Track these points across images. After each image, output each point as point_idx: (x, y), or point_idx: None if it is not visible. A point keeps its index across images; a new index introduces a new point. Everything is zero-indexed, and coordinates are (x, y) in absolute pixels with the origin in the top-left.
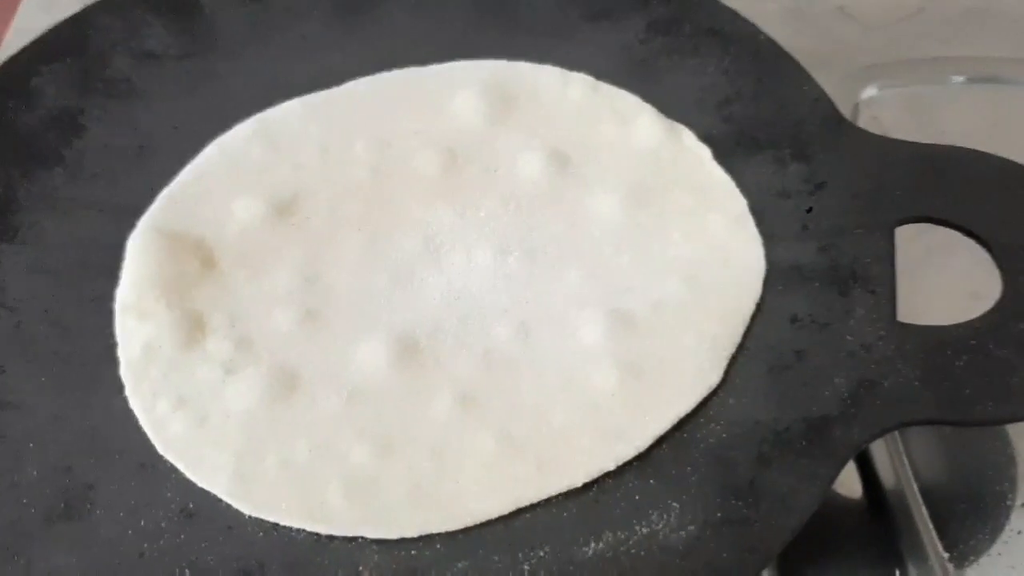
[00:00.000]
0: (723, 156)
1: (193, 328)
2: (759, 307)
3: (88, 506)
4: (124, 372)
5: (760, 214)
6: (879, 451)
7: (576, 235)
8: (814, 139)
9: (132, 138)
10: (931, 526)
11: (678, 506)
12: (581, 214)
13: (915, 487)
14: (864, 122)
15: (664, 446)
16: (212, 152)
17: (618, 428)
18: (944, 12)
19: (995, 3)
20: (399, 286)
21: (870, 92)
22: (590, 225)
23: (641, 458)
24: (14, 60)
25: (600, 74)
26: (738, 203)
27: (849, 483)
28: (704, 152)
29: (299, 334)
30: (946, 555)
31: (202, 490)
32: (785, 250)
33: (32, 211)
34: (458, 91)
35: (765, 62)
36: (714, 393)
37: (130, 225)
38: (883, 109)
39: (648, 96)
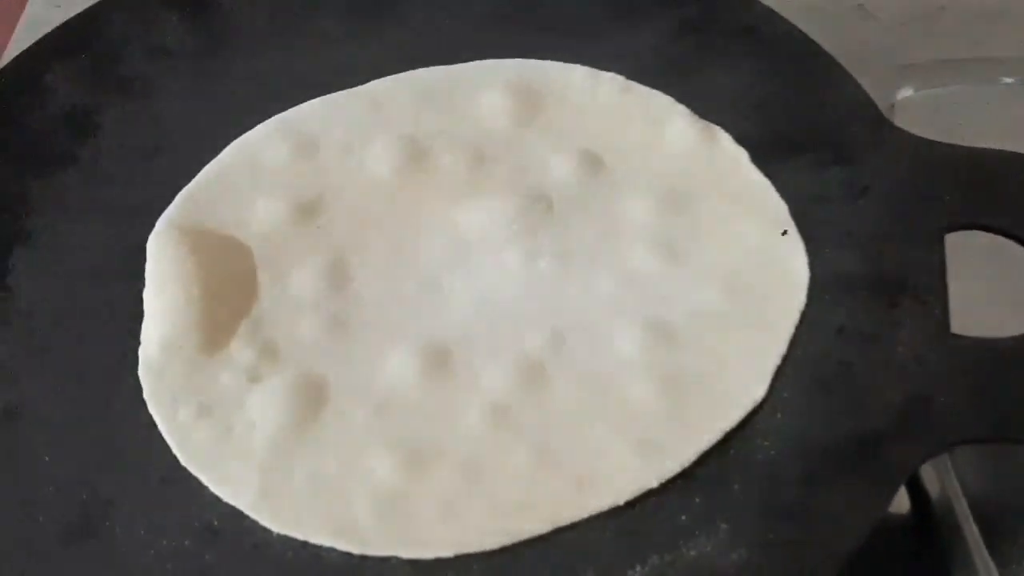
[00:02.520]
0: (759, 159)
1: (216, 330)
2: (803, 317)
3: (107, 523)
4: (142, 372)
5: (800, 220)
6: (925, 464)
7: (609, 240)
8: (856, 142)
9: (148, 137)
10: (981, 543)
11: (726, 527)
12: (613, 218)
13: (964, 502)
14: (901, 124)
15: (709, 463)
16: (232, 152)
17: (660, 443)
18: (967, 11)
19: (1018, 2)
20: (427, 292)
21: (906, 93)
22: (623, 230)
23: (685, 475)
24: (25, 56)
25: (629, 74)
26: (779, 208)
27: (895, 497)
28: (741, 155)
29: (326, 342)
30: (997, 573)
31: (227, 506)
32: (828, 258)
33: (45, 213)
34: (484, 90)
35: (803, 61)
36: (759, 407)
37: (146, 227)
38: (920, 111)
39: (680, 97)
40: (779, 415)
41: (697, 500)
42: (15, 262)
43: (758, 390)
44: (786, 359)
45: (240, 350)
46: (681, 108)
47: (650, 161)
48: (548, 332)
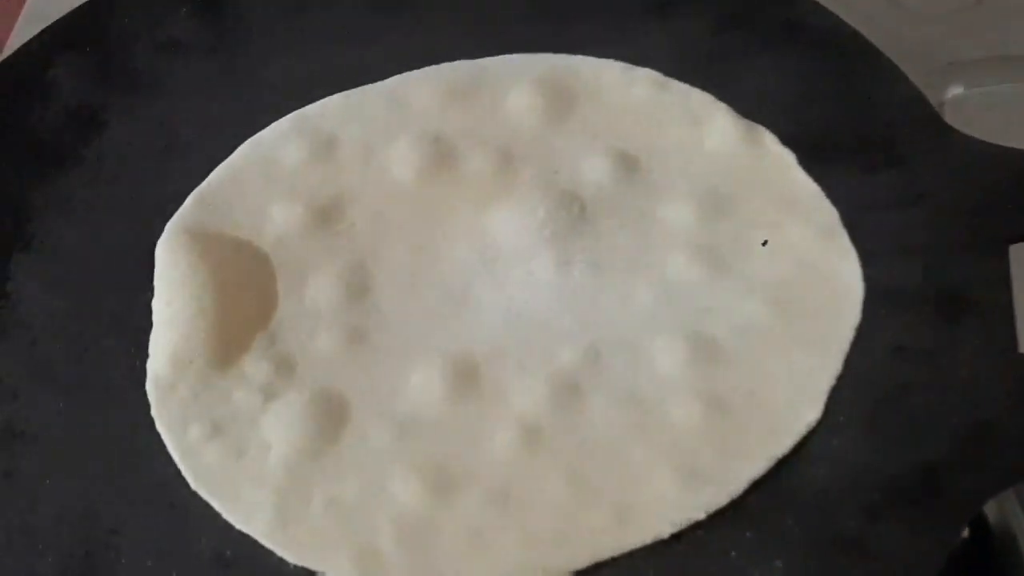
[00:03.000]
0: (805, 163)
1: (229, 344)
2: (856, 334)
3: (112, 554)
4: (150, 388)
5: (850, 228)
6: None
7: (646, 247)
8: (909, 144)
9: (157, 136)
10: None
11: (781, 564)
12: (651, 224)
13: None
14: (952, 125)
15: (760, 493)
16: (246, 151)
17: (706, 471)
18: (1005, 5)
19: None
20: (453, 303)
21: (955, 91)
22: (662, 236)
23: (734, 507)
24: (27, 49)
25: (665, 70)
26: (828, 214)
27: None
28: (788, 156)
29: (345, 357)
30: None
31: (240, 534)
32: (881, 270)
33: (48, 217)
34: (512, 86)
35: (850, 57)
36: (814, 431)
37: (155, 232)
38: (972, 110)
39: (720, 95)
40: (834, 441)
41: (748, 534)
42: (15, 268)
43: (811, 413)
44: (840, 379)
45: (255, 365)
46: (722, 106)
47: (690, 162)
48: (583, 347)
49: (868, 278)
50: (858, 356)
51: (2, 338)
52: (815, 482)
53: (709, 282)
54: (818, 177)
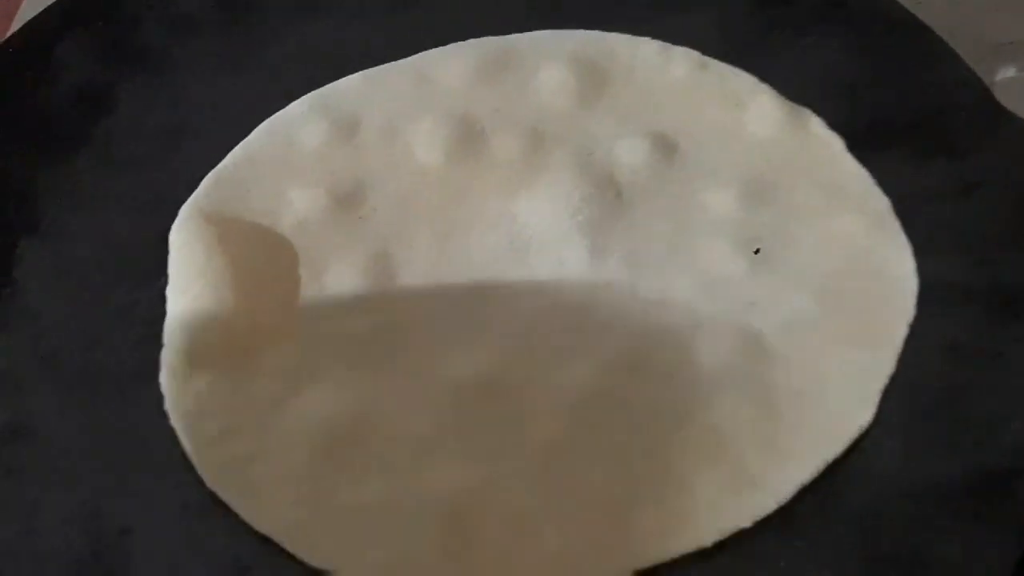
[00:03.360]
0: (852, 149)
1: (248, 334)
2: (910, 331)
3: (122, 556)
4: (164, 381)
5: (901, 219)
6: None
7: (686, 236)
8: (963, 130)
9: (169, 117)
10: None
11: None
12: (690, 211)
13: None
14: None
15: (809, 500)
16: (264, 132)
17: (751, 475)
18: None
19: None
20: (480, 293)
21: (1007, 73)
22: (702, 224)
23: (783, 513)
24: (34, 24)
25: (704, 49)
26: (879, 202)
27: None
28: (835, 142)
29: (370, 349)
30: None
31: (259, 537)
32: (935, 263)
33: (55, 201)
34: (543, 64)
35: (899, 37)
36: (866, 434)
37: (168, 216)
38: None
39: (761, 75)
40: (888, 445)
41: (797, 544)
42: (22, 254)
43: (864, 415)
44: (893, 379)
45: (275, 356)
46: (765, 88)
47: (731, 147)
48: (617, 343)
49: (920, 272)
50: (911, 354)
51: (8, 328)
52: (868, 489)
53: (753, 274)
54: (865, 165)
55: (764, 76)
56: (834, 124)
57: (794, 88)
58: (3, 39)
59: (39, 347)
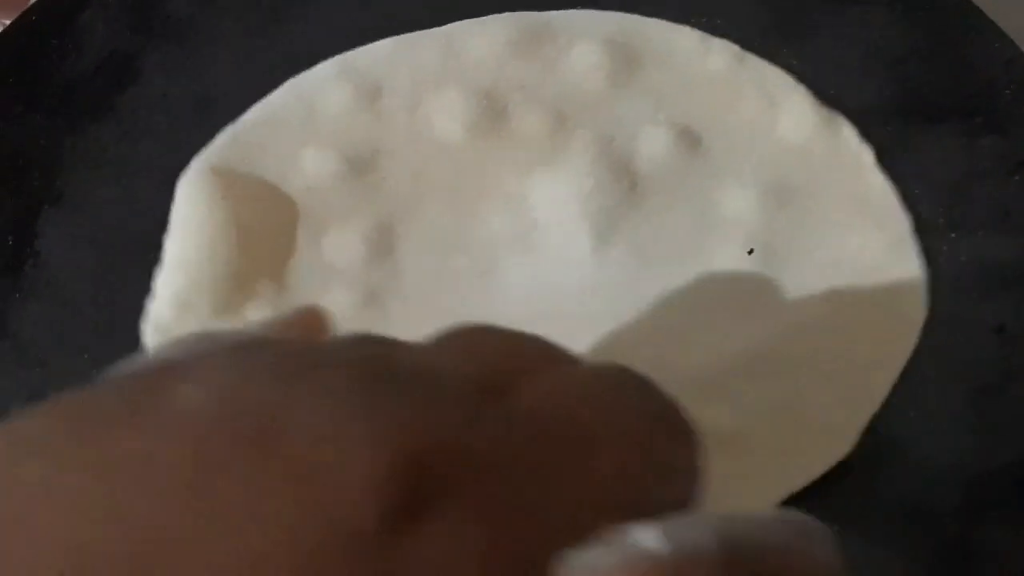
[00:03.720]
0: (898, 125)
1: (237, 289)
2: (953, 314)
3: None
4: (149, 331)
5: (947, 198)
6: None
7: (697, 233)
8: (1010, 106)
9: (194, 86)
10: None
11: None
12: (706, 208)
13: None
14: None
15: (847, 486)
16: (286, 91)
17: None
18: None
19: None
20: (477, 272)
21: None
22: (716, 223)
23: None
24: None
25: (740, 22)
26: (899, 223)
27: None
28: (865, 154)
29: (357, 320)
30: None
31: None
32: (980, 244)
33: (78, 170)
34: (576, 43)
35: (944, 12)
36: (907, 425)
37: None
38: None
39: (801, 54)
40: (929, 432)
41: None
42: (44, 225)
43: (840, 448)
44: (935, 365)
45: (258, 314)
46: (802, 89)
47: (757, 146)
48: (607, 337)
49: (963, 252)
50: (954, 337)
51: (31, 300)
52: (909, 477)
53: (761, 277)
54: (909, 144)
55: (801, 54)
56: (873, 103)
57: (833, 66)
58: (26, 7)
59: (63, 321)
